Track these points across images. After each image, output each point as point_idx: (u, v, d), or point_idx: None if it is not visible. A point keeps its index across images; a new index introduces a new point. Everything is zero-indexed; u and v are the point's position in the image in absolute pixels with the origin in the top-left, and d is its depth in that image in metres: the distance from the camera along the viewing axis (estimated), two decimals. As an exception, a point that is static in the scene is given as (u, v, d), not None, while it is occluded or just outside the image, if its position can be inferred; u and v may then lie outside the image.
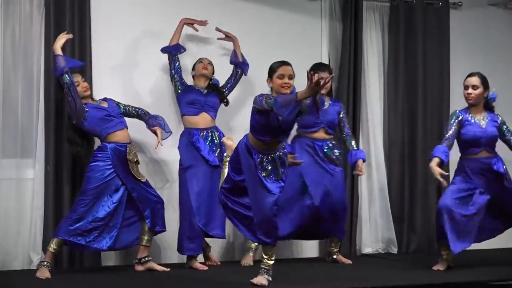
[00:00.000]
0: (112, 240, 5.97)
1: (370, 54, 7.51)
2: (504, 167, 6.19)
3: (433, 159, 6.04)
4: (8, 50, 6.24)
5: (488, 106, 6.26)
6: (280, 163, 5.34)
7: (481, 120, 6.19)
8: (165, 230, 6.19)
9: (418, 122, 7.57)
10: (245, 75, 6.68)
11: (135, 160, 6.09)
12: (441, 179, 5.94)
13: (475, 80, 6.16)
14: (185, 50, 6.52)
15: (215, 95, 6.48)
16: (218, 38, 6.73)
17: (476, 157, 6.18)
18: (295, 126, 6.04)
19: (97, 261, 6.40)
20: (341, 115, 6.59)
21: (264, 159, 5.29)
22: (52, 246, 5.83)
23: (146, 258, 6.10)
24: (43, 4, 6.31)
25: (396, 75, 7.54)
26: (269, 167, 5.30)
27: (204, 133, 6.34)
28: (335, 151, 6.52)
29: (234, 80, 6.63)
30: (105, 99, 6.18)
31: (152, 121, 6.26)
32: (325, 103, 6.47)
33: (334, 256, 6.66)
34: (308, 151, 6.46)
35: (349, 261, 6.62)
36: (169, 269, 6.11)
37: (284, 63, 5.30)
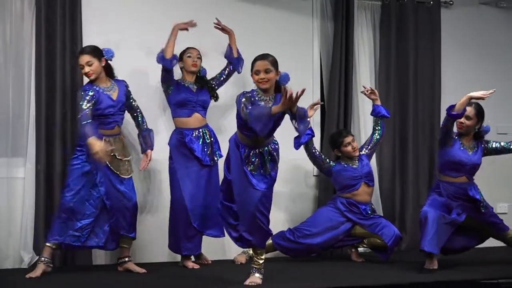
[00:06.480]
0: (105, 236, 5.92)
1: (362, 53, 7.51)
2: (480, 193, 6.28)
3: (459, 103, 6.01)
4: (-2, 49, 6.24)
5: (478, 136, 6.30)
6: (270, 159, 5.34)
7: (468, 149, 6.23)
8: (132, 236, 6.02)
9: (409, 121, 7.58)
10: (239, 72, 6.58)
11: (111, 154, 5.85)
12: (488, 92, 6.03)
13: (469, 111, 6.15)
14: (178, 61, 6.35)
15: (205, 92, 6.41)
16: (214, 27, 6.54)
17: (454, 181, 6.24)
18: None
19: (89, 260, 6.38)
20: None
21: (251, 153, 5.29)
22: (49, 244, 5.79)
23: (122, 260, 6.04)
24: (34, 2, 6.29)
25: (387, 73, 7.56)
26: (256, 161, 5.29)
27: (197, 133, 6.30)
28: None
29: (226, 75, 6.53)
30: (120, 84, 6.02)
31: (147, 140, 6.13)
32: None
33: (353, 250, 6.79)
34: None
35: (362, 259, 6.74)
36: (145, 270, 5.99)
37: (260, 57, 5.26)
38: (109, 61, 5.99)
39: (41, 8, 6.27)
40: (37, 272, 5.71)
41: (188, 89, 6.35)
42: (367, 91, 6.78)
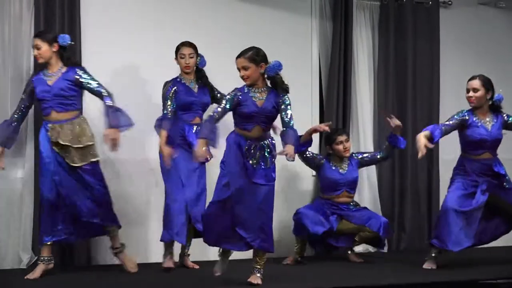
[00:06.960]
0: (78, 228, 5.85)
1: (360, 53, 7.53)
2: (504, 169, 6.23)
3: (423, 132, 5.98)
4: (-3, 49, 6.23)
5: (494, 107, 6.23)
6: (269, 152, 5.34)
7: (487, 122, 6.18)
8: (96, 222, 5.85)
9: (408, 121, 7.57)
10: None
11: (58, 143, 5.72)
12: (421, 151, 5.81)
13: (475, 83, 6.12)
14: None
15: (206, 91, 6.32)
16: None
17: (477, 158, 6.20)
18: None
19: (88, 260, 6.40)
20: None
21: (253, 146, 5.29)
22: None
23: (114, 250, 5.98)
24: (33, 3, 6.29)
25: (386, 74, 7.57)
26: (257, 154, 5.29)
27: (195, 129, 6.25)
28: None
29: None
30: (68, 71, 5.82)
31: (109, 119, 5.70)
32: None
33: (349, 252, 6.75)
34: None
35: (361, 260, 6.70)
36: (135, 270, 5.94)
37: (238, 55, 5.28)
38: (64, 47, 5.83)
39: (40, 9, 6.27)
40: (35, 274, 5.69)
41: (190, 91, 6.26)
42: (393, 124, 6.58)
